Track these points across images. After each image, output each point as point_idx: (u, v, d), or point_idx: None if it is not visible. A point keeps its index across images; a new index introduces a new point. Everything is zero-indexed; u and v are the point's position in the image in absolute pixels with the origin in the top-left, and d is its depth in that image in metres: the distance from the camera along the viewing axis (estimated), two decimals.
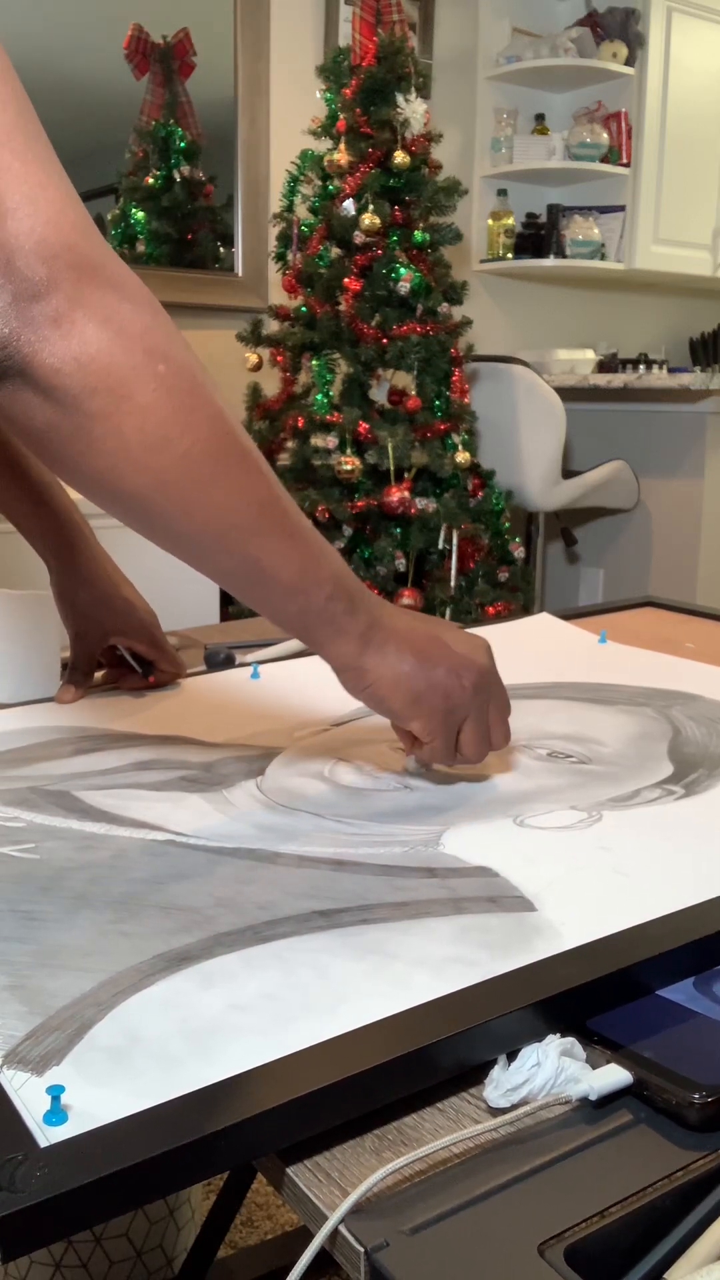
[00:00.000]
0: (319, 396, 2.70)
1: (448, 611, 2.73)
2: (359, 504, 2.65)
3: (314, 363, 2.74)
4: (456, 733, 0.68)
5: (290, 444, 2.76)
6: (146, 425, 0.52)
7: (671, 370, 3.88)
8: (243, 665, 1.02)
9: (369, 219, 2.64)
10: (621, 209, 3.70)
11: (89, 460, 0.52)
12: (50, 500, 0.92)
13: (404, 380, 2.84)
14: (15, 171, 0.49)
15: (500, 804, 0.70)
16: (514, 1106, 0.44)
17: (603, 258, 3.70)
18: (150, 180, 3.00)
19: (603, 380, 3.33)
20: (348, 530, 2.69)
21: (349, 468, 2.61)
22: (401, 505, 2.63)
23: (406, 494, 2.64)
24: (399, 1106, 0.44)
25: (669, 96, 3.64)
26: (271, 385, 2.89)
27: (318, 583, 0.61)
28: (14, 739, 0.82)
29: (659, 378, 3.29)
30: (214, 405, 0.55)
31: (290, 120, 3.14)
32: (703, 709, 0.88)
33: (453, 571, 2.76)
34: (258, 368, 2.82)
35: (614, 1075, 0.44)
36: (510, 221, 3.64)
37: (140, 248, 3.01)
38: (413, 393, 2.77)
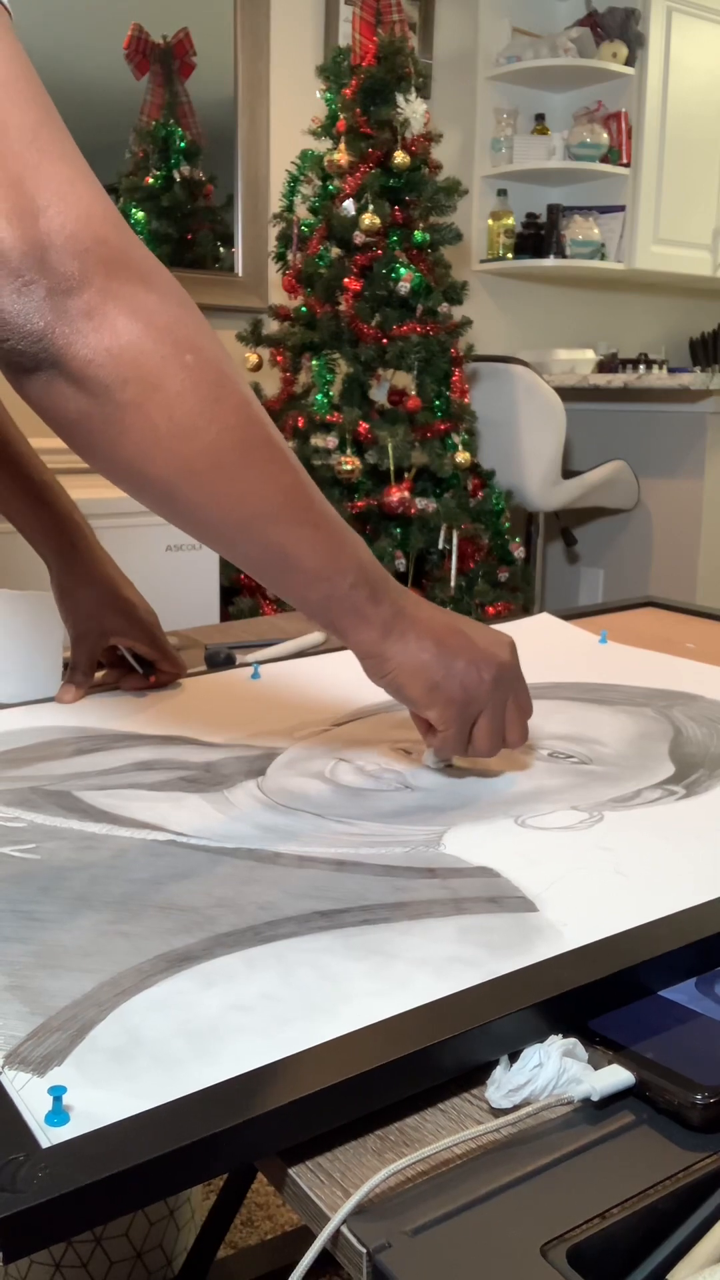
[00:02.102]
0: (319, 396, 2.70)
1: None
2: (359, 504, 2.65)
3: (314, 363, 2.74)
4: (472, 725, 0.69)
5: (290, 444, 2.75)
6: (175, 414, 0.53)
7: (671, 370, 3.88)
8: (243, 665, 1.02)
9: (369, 219, 2.64)
10: (621, 209, 3.70)
11: (120, 449, 0.54)
12: (51, 500, 0.92)
13: (404, 380, 2.84)
14: (44, 169, 0.50)
15: (501, 804, 0.70)
16: (516, 1107, 0.44)
17: (603, 258, 3.70)
18: (150, 180, 3.00)
19: (603, 380, 3.33)
20: None
21: (349, 468, 2.61)
22: (401, 505, 2.63)
23: (406, 494, 2.64)
24: (401, 1107, 0.44)
25: (669, 96, 3.64)
26: (271, 385, 2.89)
27: (341, 571, 0.62)
28: (15, 739, 0.82)
29: (659, 378, 3.29)
30: (240, 395, 0.56)
31: (290, 120, 3.14)
32: (703, 709, 0.88)
33: (453, 571, 2.76)
34: (258, 368, 2.82)
35: (616, 1076, 0.44)
36: (510, 221, 3.64)
37: None
38: (413, 393, 2.77)
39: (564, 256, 3.64)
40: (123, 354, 0.51)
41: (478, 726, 0.69)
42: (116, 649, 0.94)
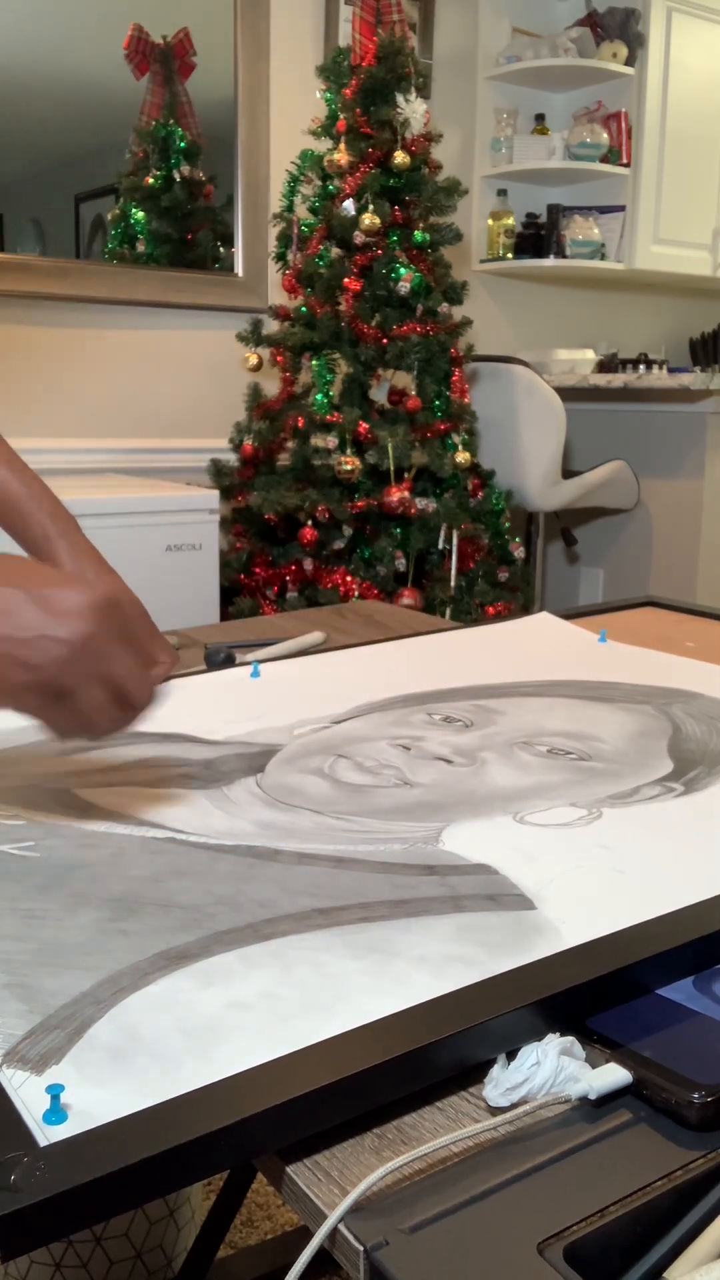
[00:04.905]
0: (319, 396, 2.70)
1: (448, 611, 2.73)
2: (359, 504, 2.65)
3: (314, 363, 2.74)
4: (70, 707, 0.57)
5: (290, 444, 2.76)
6: None
7: (671, 370, 3.88)
8: (243, 664, 1.02)
9: (369, 219, 2.64)
10: (621, 209, 3.70)
11: None
12: (27, 516, 0.92)
13: (404, 380, 2.84)
14: None
15: (500, 800, 0.70)
16: (513, 1105, 0.44)
17: (603, 258, 3.70)
18: (150, 180, 3.00)
19: (603, 380, 3.32)
20: (348, 530, 2.69)
21: (349, 468, 2.61)
22: (401, 505, 2.63)
23: (406, 494, 2.64)
24: (398, 1105, 0.44)
25: (669, 96, 3.64)
26: (271, 385, 2.89)
27: None
28: (13, 737, 0.82)
29: (659, 378, 3.29)
30: None
31: (290, 120, 3.14)
32: (702, 706, 0.88)
33: (453, 571, 2.76)
34: (258, 368, 2.82)
35: (613, 1074, 0.44)
36: (510, 221, 3.63)
37: (140, 248, 3.01)
38: (413, 393, 2.77)
39: (564, 256, 3.64)
40: None
41: (78, 707, 0.57)
42: None
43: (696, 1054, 0.45)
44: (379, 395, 2.85)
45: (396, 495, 2.63)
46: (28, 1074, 0.43)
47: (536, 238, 3.68)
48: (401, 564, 2.68)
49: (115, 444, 2.99)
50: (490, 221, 3.65)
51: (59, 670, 0.55)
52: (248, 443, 2.80)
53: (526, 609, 2.89)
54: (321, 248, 2.77)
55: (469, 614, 2.76)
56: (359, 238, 2.68)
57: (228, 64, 3.07)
